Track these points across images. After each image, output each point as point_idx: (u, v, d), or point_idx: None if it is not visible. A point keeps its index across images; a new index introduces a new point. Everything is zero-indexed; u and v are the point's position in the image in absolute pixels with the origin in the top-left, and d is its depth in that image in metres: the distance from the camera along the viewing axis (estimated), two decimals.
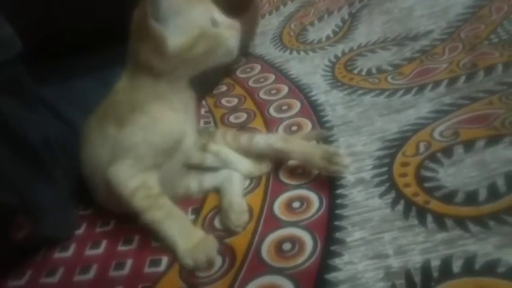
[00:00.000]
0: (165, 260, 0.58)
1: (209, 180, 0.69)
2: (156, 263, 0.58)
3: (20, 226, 0.59)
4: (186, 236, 0.57)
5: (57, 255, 0.63)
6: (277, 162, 0.69)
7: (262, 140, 0.69)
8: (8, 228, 0.58)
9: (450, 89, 0.76)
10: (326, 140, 0.73)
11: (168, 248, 0.57)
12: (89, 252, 0.62)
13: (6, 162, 0.58)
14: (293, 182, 0.66)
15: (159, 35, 0.54)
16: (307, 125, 0.79)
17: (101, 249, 0.62)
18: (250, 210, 0.62)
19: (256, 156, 0.70)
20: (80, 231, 0.66)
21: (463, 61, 0.83)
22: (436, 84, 0.78)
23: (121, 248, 0.62)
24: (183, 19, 0.55)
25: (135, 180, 0.58)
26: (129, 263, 0.59)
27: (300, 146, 0.67)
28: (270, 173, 0.69)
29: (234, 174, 0.68)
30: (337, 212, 0.58)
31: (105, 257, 0.61)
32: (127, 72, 0.60)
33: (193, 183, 0.68)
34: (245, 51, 1.09)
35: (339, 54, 0.99)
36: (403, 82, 0.83)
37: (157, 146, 0.59)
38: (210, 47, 0.57)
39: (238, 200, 0.63)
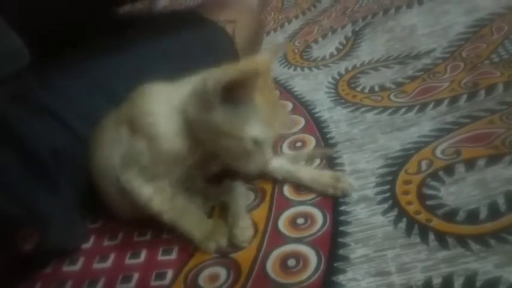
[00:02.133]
0: (170, 273, 0.59)
1: (214, 194, 0.70)
2: (161, 276, 0.59)
3: (28, 237, 0.61)
4: (200, 227, 0.63)
5: (66, 268, 0.64)
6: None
7: (274, 161, 0.70)
8: (15, 240, 0.60)
9: (452, 107, 0.77)
10: (330, 159, 0.74)
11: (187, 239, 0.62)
12: (97, 265, 0.63)
13: (14, 172, 0.59)
14: (297, 198, 0.67)
15: (213, 104, 0.54)
16: (312, 141, 0.81)
17: (108, 263, 0.63)
18: (255, 226, 0.64)
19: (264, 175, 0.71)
20: (88, 245, 0.68)
21: (464, 80, 0.84)
22: (438, 102, 0.80)
23: (128, 261, 0.63)
24: (242, 113, 0.55)
25: (148, 188, 0.60)
26: (135, 276, 0.60)
27: (308, 168, 0.71)
28: (275, 189, 0.70)
29: (238, 189, 0.69)
30: (341, 228, 0.59)
31: (112, 270, 0.62)
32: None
33: (198, 197, 0.70)
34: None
35: (342, 72, 1.01)
36: (405, 100, 0.84)
37: (157, 159, 0.59)
38: (234, 152, 0.58)
39: (243, 215, 0.65)
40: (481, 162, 0.63)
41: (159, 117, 0.59)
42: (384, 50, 1.04)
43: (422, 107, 0.80)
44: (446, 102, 0.79)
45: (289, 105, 0.94)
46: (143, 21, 1.05)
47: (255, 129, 0.56)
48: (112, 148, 0.62)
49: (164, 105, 0.60)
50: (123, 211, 0.66)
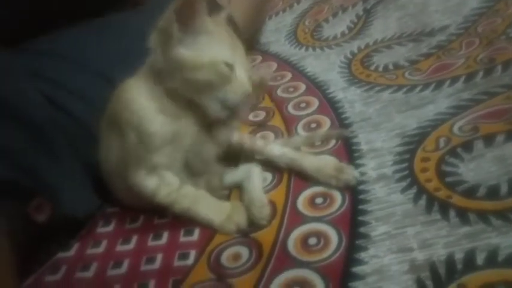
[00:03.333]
0: (193, 253, 0.60)
1: (229, 176, 0.71)
2: (184, 256, 0.60)
3: (40, 208, 0.61)
4: (217, 211, 0.63)
5: (90, 251, 0.65)
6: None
7: (276, 148, 0.71)
8: (28, 212, 0.60)
9: (468, 84, 0.77)
10: (346, 139, 0.74)
11: (206, 226, 0.63)
12: (120, 247, 0.64)
13: (17, 144, 0.60)
14: None
15: (173, 34, 0.54)
16: (326, 122, 0.81)
17: (131, 245, 0.64)
18: (274, 207, 0.64)
19: (269, 163, 0.71)
20: (109, 228, 0.69)
21: (480, 56, 0.84)
22: (454, 79, 0.79)
23: (151, 243, 0.64)
24: (204, 41, 0.56)
25: (151, 180, 0.61)
26: (159, 257, 0.61)
27: (313, 157, 0.69)
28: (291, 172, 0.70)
29: (254, 170, 0.70)
30: (360, 207, 0.60)
31: (136, 252, 0.63)
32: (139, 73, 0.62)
33: (215, 178, 0.70)
34: (252, 44, 1.11)
35: (355, 51, 1.01)
36: (420, 78, 0.84)
37: (147, 146, 0.59)
38: (210, 83, 0.56)
39: (258, 194, 0.65)
40: (500, 138, 0.63)
41: (138, 106, 0.58)
42: (396, 27, 1.03)
43: (439, 84, 0.80)
44: (462, 79, 0.79)
45: (303, 87, 0.94)
46: None
47: (220, 52, 0.56)
48: (108, 150, 0.63)
49: (140, 92, 0.59)
50: (138, 205, 0.67)
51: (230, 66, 0.57)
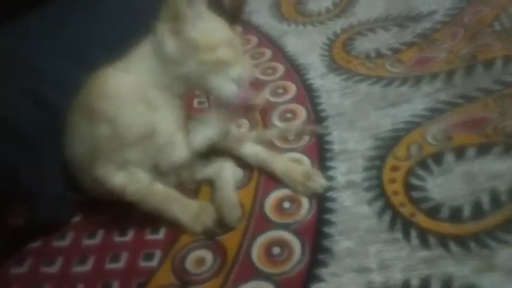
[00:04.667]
0: (158, 254, 0.60)
1: (200, 170, 0.70)
2: (149, 257, 0.60)
3: (17, 213, 0.61)
4: (185, 209, 0.63)
5: (56, 243, 0.65)
6: None
7: (249, 147, 0.70)
8: (5, 215, 0.60)
9: (447, 84, 0.75)
10: (319, 136, 0.73)
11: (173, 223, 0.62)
12: (87, 241, 0.64)
13: (8, 155, 0.58)
14: None
15: (185, 16, 0.54)
16: (302, 113, 0.79)
17: (97, 240, 0.64)
18: (242, 207, 0.64)
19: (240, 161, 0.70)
20: (77, 219, 0.68)
21: (462, 51, 0.82)
22: (433, 76, 0.78)
23: (117, 239, 0.64)
24: (208, 23, 0.56)
25: (120, 176, 0.59)
26: (124, 256, 0.61)
27: (284, 160, 0.68)
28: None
29: (226, 166, 0.69)
30: (326, 216, 0.60)
31: (101, 248, 0.63)
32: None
33: (185, 173, 0.69)
34: (237, 17, 1.06)
35: (338, 31, 0.97)
36: (400, 71, 0.82)
37: (122, 140, 0.57)
38: (227, 61, 0.56)
39: (230, 194, 0.65)
40: (471, 152, 0.63)
41: (117, 95, 0.56)
42: (382, 7, 0.99)
43: (417, 80, 0.78)
44: (442, 76, 0.77)
45: (281, 69, 0.91)
46: None
47: (228, 31, 0.58)
48: (74, 139, 0.61)
49: (122, 81, 0.57)
50: (104, 196, 0.66)
51: (234, 46, 0.58)
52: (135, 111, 0.56)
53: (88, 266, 0.61)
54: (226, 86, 0.57)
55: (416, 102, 0.74)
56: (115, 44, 0.59)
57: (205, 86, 0.58)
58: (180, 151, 0.61)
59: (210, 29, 0.56)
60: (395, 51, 0.87)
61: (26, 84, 0.62)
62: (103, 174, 0.59)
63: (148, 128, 0.57)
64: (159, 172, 0.63)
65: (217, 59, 0.55)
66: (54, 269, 0.61)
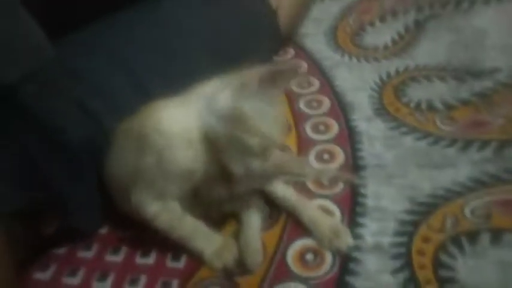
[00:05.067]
0: (175, 284, 0.61)
1: (229, 203, 0.69)
2: (166, 286, 0.61)
3: (49, 221, 0.63)
4: (209, 243, 0.63)
5: (80, 254, 0.67)
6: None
7: (280, 188, 0.69)
8: (37, 223, 0.63)
9: (497, 155, 0.72)
10: (354, 186, 0.72)
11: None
12: (109, 257, 0.66)
13: (41, 160, 0.60)
14: None
15: (251, 91, 0.53)
16: (340, 155, 0.78)
17: (120, 257, 0.66)
18: (264, 249, 0.64)
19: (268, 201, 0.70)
20: (103, 231, 0.70)
21: None
22: (484, 144, 0.74)
23: (139, 260, 0.65)
24: (266, 111, 0.54)
25: (155, 205, 0.60)
26: (142, 280, 0.62)
27: (313, 209, 0.67)
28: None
29: (254, 205, 0.69)
30: (348, 279, 0.59)
31: (123, 266, 0.65)
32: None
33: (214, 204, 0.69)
34: (291, 36, 1.05)
35: (392, 72, 0.94)
36: (450, 130, 0.78)
37: (165, 173, 0.58)
38: (250, 151, 0.55)
39: (255, 239, 0.65)
40: (509, 237, 0.60)
41: (170, 131, 0.57)
42: (444, 54, 0.95)
43: (466, 144, 0.75)
44: (493, 145, 0.73)
45: (327, 103, 0.89)
46: None
47: (275, 131, 0.56)
48: (119, 161, 0.62)
49: (178, 118, 0.57)
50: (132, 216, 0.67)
51: (273, 146, 0.56)
52: (183, 149, 0.57)
53: (107, 284, 0.62)
54: (235, 166, 0.56)
55: (461, 168, 0.71)
56: (176, 77, 0.59)
57: (222, 150, 0.57)
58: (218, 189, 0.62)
59: (263, 117, 0.54)
60: (448, 107, 0.83)
61: (75, 94, 0.64)
62: (140, 200, 0.60)
63: (191, 169, 0.58)
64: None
65: (244, 142, 0.54)
66: (75, 281, 0.63)
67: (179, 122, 0.57)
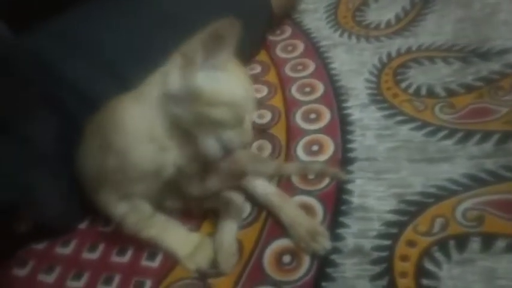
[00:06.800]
0: (148, 284, 0.60)
1: (209, 200, 0.67)
2: (139, 286, 0.60)
3: (23, 220, 0.63)
4: (183, 243, 0.62)
5: (58, 249, 0.67)
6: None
7: (261, 186, 0.66)
8: (11, 222, 0.62)
9: (498, 148, 0.66)
10: (341, 182, 0.68)
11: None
12: (86, 255, 0.66)
13: (15, 161, 0.59)
14: None
15: (196, 62, 0.50)
16: (330, 148, 0.74)
17: (96, 254, 0.65)
18: (241, 248, 0.62)
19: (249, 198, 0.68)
20: (82, 226, 0.70)
21: None
22: (485, 135, 0.68)
23: (114, 258, 0.64)
24: (224, 79, 0.52)
25: (121, 207, 0.59)
26: (116, 280, 0.62)
27: (293, 209, 0.64)
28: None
29: (234, 203, 0.66)
30: (324, 284, 0.56)
31: (98, 264, 0.64)
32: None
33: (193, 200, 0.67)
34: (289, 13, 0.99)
35: (393, 53, 0.87)
36: (449, 119, 0.72)
37: (129, 174, 0.56)
38: (221, 122, 0.52)
39: (230, 241, 0.62)
40: (500, 244, 0.55)
41: (128, 130, 0.54)
42: (450, 33, 0.87)
43: (466, 135, 0.69)
44: (495, 138, 0.67)
45: (320, 89, 0.84)
46: None
47: (239, 95, 0.54)
48: (86, 158, 0.60)
49: (136, 115, 0.55)
50: None
51: (244, 111, 0.54)
52: (143, 147, 0.54)
53: (81, 283, 0.62)
54: (210, 145, 0.53)
55: (457, 163, 0.66)
56: (148, 60, 0.56)
57: (193, 134, 0.54)
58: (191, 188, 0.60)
59: (221, 84, 0.51)
60: (450, 92, 0.77)
61: (52, 93, 0.62)
62: (106, 201, 0.59)
63: (153, 166, 0.55)
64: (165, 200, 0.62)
65: (211, 116, 0.51)
66: (50, 278, 0.63)
67: (138, 119, 0.54)
